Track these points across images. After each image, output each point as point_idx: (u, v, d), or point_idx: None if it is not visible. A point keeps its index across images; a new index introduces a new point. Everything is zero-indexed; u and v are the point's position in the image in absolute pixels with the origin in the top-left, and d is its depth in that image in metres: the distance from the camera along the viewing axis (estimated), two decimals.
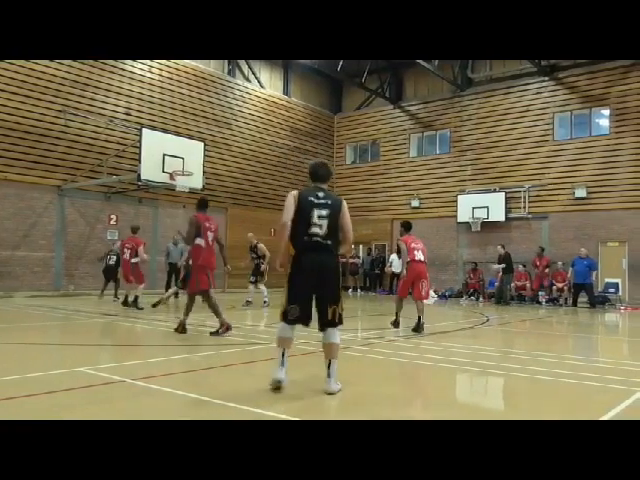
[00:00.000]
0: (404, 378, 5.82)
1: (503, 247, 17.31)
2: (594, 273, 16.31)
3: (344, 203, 4.70)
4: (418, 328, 9.00)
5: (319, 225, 4.51)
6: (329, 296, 4.53)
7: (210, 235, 8.02)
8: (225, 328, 7.98)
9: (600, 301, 16.60)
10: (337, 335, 4.58)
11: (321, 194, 4.62)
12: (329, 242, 4.52)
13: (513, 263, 17.30)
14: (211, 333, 8.02)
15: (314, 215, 4.51)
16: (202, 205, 8.27)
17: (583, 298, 16.20)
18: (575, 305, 16.17)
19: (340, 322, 4.58)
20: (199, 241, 7.90)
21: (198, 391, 4.52)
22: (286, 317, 4.51)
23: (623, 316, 14.35)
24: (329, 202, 4.59)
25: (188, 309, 8.16)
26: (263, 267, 13.45)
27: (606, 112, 19.21)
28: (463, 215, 21.01)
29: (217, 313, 8.08)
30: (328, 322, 4.54)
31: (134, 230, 12.74)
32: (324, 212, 4.54)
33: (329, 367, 4.51)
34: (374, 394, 4.65)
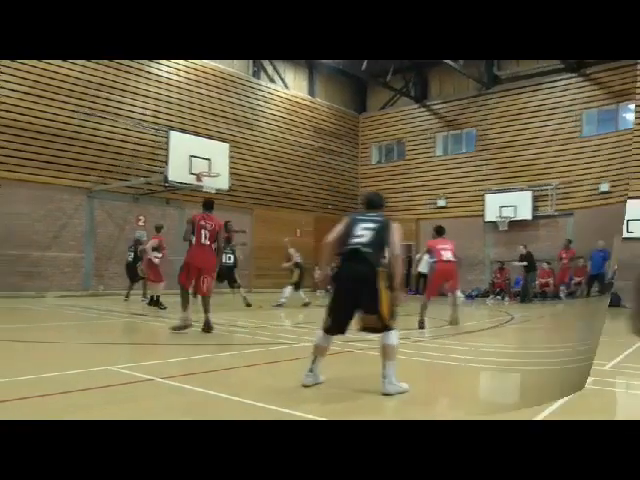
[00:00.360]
0: (431, 378, 5.80)
1: (525, 247, 17.38)
2: (607, 263, 16.08)
3: (392, 223, 4.75)
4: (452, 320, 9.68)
5: (361, 235, 4.60)
6: (367, 305, 4.49)
7: (204, 233, 8.13)
8: (184, 326, 8.01)
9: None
10: (392, 336, 4.48)
11: (370, 213, 4.84)
12: (370, 251, 4.52)
13: (537, 261, 17.26)
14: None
15: (358, 228, 4.64)
16: (204, 205, 8.57)
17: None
18: (589, 295, 16.06)
19: (384, 329, 4.48)
20: (191, 238, 8.16)
21: (227, 390, 4.51)
22: (324, 327, 4.64)
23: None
24: (376, 219, 4.73)
25: (205, 307, 8.20)
26: (286, 265, 13.71)
27: (632, 107, 18.86)
28: (490, 214, 20.80)
29: (184, 307, 8.10)
30: (369, 329, 4.57)
31: (157, 229, 13.02)
32: (370, 225, 4.66)
33: (384, 368, 4.45)
34: (400, 394, 4.64)
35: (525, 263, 16.95)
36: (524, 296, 17.03)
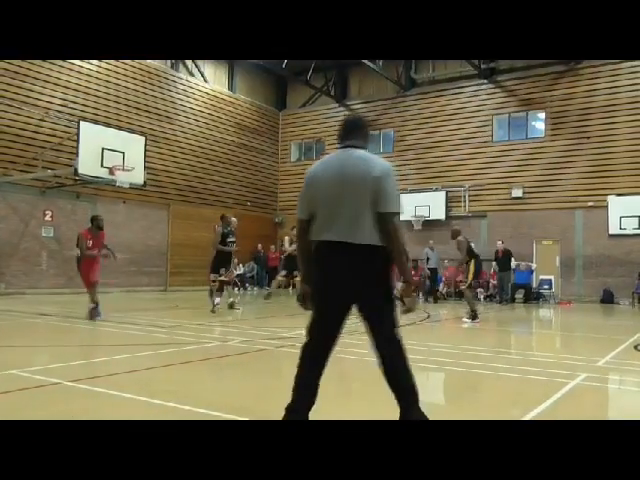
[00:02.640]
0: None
1: (502, 242, 17.09)
2: (532, 277, 17.09)
3: None
4: None
5: None
6: None
7: None
8: None
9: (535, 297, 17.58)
10: None
11: None
12: None
13: (450, 260, 17.82)
14: None
15: None
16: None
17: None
18: (513, 301, 17.09)
19: None
20: None
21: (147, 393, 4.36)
22: None
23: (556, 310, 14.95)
24: None
25: None
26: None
27: (542, 115, 19.95)
28: (405, 213, 21.32)
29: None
30: None
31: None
32: None
33: None
34: None
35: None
36: (500, 296, 16.55)
